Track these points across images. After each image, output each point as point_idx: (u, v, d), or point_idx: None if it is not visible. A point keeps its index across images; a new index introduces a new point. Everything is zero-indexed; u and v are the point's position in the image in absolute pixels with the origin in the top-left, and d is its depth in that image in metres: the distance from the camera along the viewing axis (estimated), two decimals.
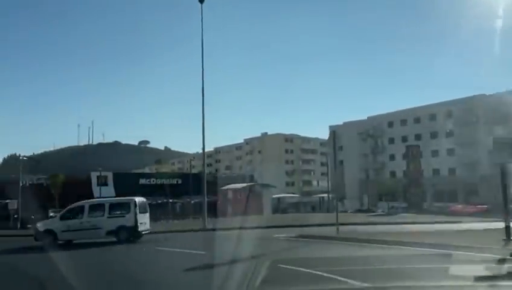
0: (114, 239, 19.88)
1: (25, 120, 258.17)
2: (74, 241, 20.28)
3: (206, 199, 27.94)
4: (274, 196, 57.29)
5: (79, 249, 18.20)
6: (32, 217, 48.33)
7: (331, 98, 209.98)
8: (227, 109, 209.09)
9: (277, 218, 39.20)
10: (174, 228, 28.31)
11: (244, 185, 51.98)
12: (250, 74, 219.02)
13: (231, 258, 10.82)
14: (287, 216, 42.95)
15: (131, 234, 19.89)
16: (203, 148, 28.23)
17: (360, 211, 53.85)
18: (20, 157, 46.84)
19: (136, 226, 19.84)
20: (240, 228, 20.53)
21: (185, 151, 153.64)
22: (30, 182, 45.87)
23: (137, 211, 20.09)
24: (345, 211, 49.16)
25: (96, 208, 20.86)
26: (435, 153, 66.59)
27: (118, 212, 20.37)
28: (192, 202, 46.08)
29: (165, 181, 55.62)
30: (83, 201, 21.55)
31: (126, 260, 15.21)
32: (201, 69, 27.82)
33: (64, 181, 41.95)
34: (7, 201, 37.15)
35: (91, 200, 23.57)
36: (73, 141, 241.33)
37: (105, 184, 50.82)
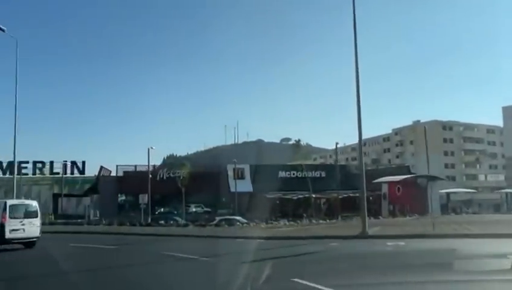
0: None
1: (179, 124, 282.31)
2: None
3: (365, 195, 19.95)
4: (442, 191, 45.92)
5: None
6: (162, 210, 47.55)
7: (498, 78, 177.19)
8: (372, 98, 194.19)
9: (460, 220, 28.78)
10: (319, 231, 20.90)
11: (404, 177, 42.02)
12: (398, 59, 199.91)
13: None
14: (471, 218, 32.07)
15: None
16: (360, 132, 20.18)
17: None
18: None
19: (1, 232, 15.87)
20: (429, 236, 14.10)
21: (325, 147, 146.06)
22: (167, 175, 43.84)
23: (8, 216, 16.07)
24: None
25: None
26: None
27: None
28: (340, 197, 38.26)
29: (307, 174, 49.09)
30: None
31: None
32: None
33: (191, 172, 38.37)
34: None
35: None
36: (220, 141, 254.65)
37: (242, 177, 46.44)
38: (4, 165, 58.01)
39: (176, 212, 41.45)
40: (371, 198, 44.84)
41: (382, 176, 44.69)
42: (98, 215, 41.12)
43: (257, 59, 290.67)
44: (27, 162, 60.13)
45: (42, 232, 17.23)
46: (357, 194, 44.62)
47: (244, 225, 26.35)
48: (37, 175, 60.31)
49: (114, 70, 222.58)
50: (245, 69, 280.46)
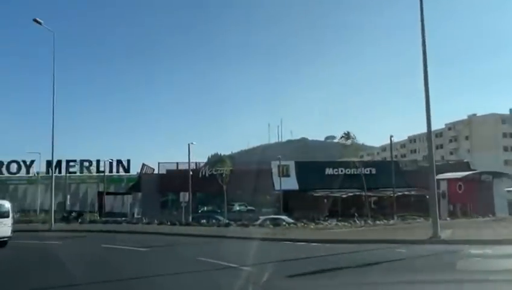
0: None
1: (223, 123, 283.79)
2: None
3: (436, 192, 17.22)
4: (508, 189, 41.45)
5: None
6: (204, 209, 46.13)
7: None
8: (421, 91, 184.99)
9: None
10: (380, 234, 18.24)
11: (466, 173, 38.14)
12: (449, 51, 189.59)
13: None
14: None
15: None
16: (428, 121, 17.26)
17: None
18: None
19: None
20: None
21: (372, 144, 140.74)
22: (209, 173, 42.36)
23: None
24: None
25: None
26: None
27: None
28: (394, 195, 35.14)
29: (356, 171, 46.06)
30: None
31: None
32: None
33: (234, 169, 36.50)
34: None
35: None
36: (264, 140, 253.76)
37: (287, 175, 44.19)
38: (54, 163, 59.33)
39: (218, 211, 39.99)
40: (427, 197, 41.24)
41: (439, 173, 40.93)
42: (140, 214, 40.40)
43: (301, 57, 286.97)
44: (74, 161, 61.30)
45: (83, 230, 16.04)
46: (413, 192, 41.49)
47: (291, 225, 23.96)
48: (84, 174, 61.36)
49: (155, 67, 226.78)
50: (289, 67, 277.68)
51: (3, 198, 24.12)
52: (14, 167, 59.40)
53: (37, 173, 56.80)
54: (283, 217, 30.56)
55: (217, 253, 12.74)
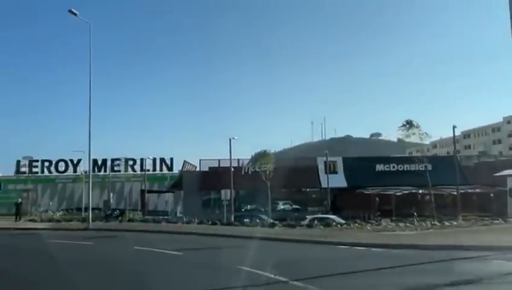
0: None
1: (266, 121, 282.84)
2: None
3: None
4: None
5: None
6: (248, 207, 44.18)
7: None
8: (478, 85, 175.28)
9: None
10: (458, 239, 15.29)
11: None
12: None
13: None
14: None
15: None
16: None
17: None
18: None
19: None
20: None
21: (420, 141, 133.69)
22: (252, 170, 40.38)
23: None
24: None
25: None
26: None
27: None
28: (458, 193, 31.65)
29: (410, 167, 42.62)
30: None
31: None
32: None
33: (278, 167, 34.16)
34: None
35: None
36: (307, 138, 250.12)
37: (335, 172, 41.46)
38: (99, 162, 60.00)
39: (262, 209, 38.01)
40: (491, 195, 37.28)
41: (502, 169, 36.85)
42: (181, 212, 39.17)
43: (342, 58, 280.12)
44: (119, 159, 61.62)
45: (120, 230, 14.59)
46: (477, 190, 37.61)
47: (344, 225, 21.27)
48: (129, 172, 61.52)
49: (196, 65, 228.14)
50: (329, 68, 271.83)
51: None
52: (62, 166, 60.44)
53: (85, 172, 57.41)
54: (332, 216, 28.13)
55: (263, 260, 10.55)
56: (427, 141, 26.01)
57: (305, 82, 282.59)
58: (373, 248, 13.49)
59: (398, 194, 35.26)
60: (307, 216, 28.46)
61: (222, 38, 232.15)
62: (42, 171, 60.52)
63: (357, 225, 21.11)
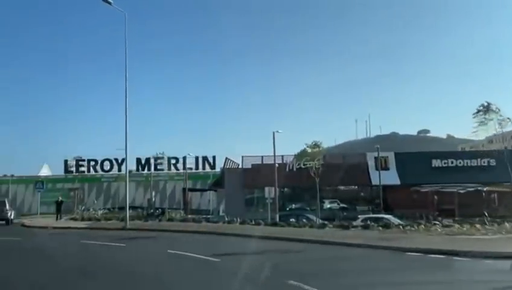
0: None
1: (309, 119, 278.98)
2: None
3: None
4: None
5: None
6: (293, 206, 41.90)
7: None
8: None
9: None
10: None
11: None
12: None
13: None
14: None
15: None
16: None
17: None
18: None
19: None
20: None
21: (471, 138, 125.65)
22: (297, 167, 38.15)
23: None
24: None
25: None
26: None
27: None
28: None
29: (471, 162, 38.90)
30: None
31: None
32: None
33: (324, 163, 31.61)
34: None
35: None
36: (351, 136, 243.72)
37: (386, 168, 38.40)
38: (143, 160, 59.93)
39: (308, 208, 35.71)
40: None
41: None
42: (223, 211, 37.60)
43: (386, 55, 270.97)
44: (162, 158, 61.16)
45: (159, 230, 13.05)
46: None
47: (406, 227, 18.36)
48: (172, 171, 60.99)
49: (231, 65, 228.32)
50: (376, 66, 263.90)
51: None
52: (107, 165, 60.84)
53: (129, 171, 57.32)
54: (387, 216, 25.43)
55: (322, 273, 8.26)
56: (508, 128, 22.06)
57: (349, 79, 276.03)
58: (456, 256, 10.85)
59: (462, 191, 31.77)
60: (359, 216, 25.93)
61: (276, 37, 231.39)
62: (88, 171, 61.21)
63: (423, 226, 18.28)
